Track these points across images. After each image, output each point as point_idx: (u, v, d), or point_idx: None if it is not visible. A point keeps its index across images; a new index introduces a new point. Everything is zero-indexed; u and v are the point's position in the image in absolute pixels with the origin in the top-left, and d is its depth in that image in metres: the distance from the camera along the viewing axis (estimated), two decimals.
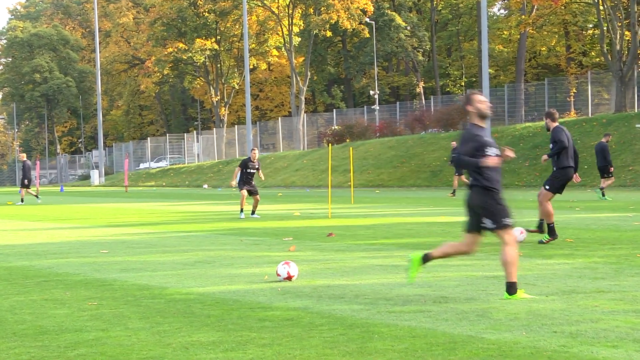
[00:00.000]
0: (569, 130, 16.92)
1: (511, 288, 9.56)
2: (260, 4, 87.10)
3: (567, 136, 16.50)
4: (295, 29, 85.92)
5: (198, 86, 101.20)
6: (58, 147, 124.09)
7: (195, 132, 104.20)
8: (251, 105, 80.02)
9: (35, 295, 10.58)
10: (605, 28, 60.21)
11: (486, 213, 9.75)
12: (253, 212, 26.55)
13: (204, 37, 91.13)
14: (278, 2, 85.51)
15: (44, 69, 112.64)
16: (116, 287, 11.22)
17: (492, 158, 9.54)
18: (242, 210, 26.46)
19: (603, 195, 33.02)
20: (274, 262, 12.91)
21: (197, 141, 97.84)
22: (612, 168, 33.50)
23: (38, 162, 75.44)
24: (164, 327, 8.29)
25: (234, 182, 26.81)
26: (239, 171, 26.55)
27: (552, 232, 15.99)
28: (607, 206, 28.35)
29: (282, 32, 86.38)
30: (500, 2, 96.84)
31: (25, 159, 43.55)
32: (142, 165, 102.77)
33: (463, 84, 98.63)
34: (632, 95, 59.66)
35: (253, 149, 27.03)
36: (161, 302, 9.81)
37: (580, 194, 39.94)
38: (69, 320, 8.75)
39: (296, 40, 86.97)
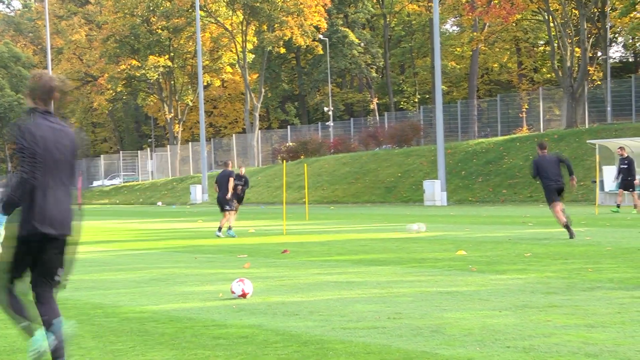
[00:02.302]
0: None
1: None
2: (213, 21, 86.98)
3: (536, 164, 21.57)
4: (249, 46, 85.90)
5: (151, 103, 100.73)
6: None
7: (149, 149, 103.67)
8: (205, 122, 79.79)
9: None
10: (555, 45, 60.90)
11: None
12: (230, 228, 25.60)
13: (157, 54, 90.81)
14: (232, 19, 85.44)
15: None
16: (69, 306, 11.10)
17: None
18: (228, 228, 25.65)
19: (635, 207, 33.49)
20: (228, 280, 12.87)
21: (151, 158, 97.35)
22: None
23: None
24: (117, 346, 8.23)
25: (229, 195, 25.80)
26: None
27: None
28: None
29: (236, 49, 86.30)
30: (452, 19, 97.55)
31: None
32: (95, 183, 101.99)
33: (416, 100, 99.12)
34: (583, 111, 60.39)
35: (240, 167, 28.78)
36: (114, 321, 9.74)
37: (533, 209, 40.29)
38: (21, 340, 8.65)
39: (250, 57, 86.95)
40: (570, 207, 40.61)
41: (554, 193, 21.24)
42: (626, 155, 33.82)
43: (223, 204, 25.78)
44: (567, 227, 20.79)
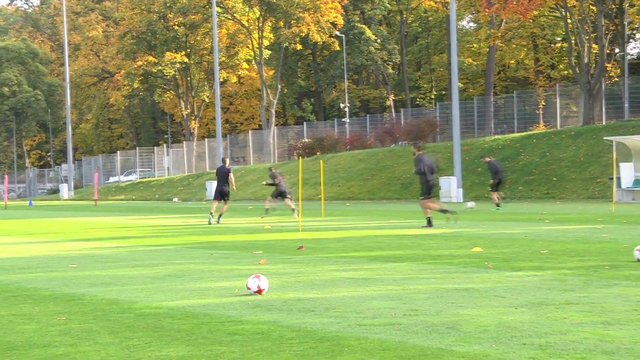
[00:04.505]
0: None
1: None
2: (230, 17, 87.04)
3: (421, 161, 25.24)
4: (266, 42, 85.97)
5: (168, 99, 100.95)
6: (27, 160, 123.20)
7: (165, 145, 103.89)
8: (221, 118, 79.88)
9: (4, 311, 10.47)
10: (573, 41, 60.71)
11: None
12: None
13: (173, 51, 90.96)
14: (248, 15, 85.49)
15: (12, 83, 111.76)
16: (85, 301, 11.13)
17: None
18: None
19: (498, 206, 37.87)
20: (244, 276, 12.87)
21: (167, 154, 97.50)
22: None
23: (6, 176, 75.00)
24: (133, 341, 8.24)
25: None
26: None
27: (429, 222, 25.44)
28: (576, 218, 28.54)
29: (252, 45, 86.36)
30: (469, 16, 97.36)
31: None
32: (111, 179, 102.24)
33: (433, 96, 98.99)
34: (600, 107, 60.17)
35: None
36: (130, 317, 9.75)
37: (549, 206, 40.20)
38: (38, 336, 8.68)
39: (266, 53, 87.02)
40: (587, 204, 40.53)
41: (431, 188, 25.55)
42: (490, 160, 39.17)
43: (222, 195, 31.09)
44: (429, 219, 25.41)
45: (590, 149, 50.86)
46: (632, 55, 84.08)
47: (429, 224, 25.29)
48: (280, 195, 35.43)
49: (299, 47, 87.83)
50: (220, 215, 31.16)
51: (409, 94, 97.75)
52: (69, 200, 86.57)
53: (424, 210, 25.66)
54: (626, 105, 60.07)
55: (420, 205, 26.41)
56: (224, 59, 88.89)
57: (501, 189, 39.43)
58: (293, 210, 35.00)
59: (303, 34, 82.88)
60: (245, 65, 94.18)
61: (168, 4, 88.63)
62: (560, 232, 21.98)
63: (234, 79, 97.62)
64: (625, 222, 25.81)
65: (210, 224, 30.25)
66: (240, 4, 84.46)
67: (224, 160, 32.98)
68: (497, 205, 37.94)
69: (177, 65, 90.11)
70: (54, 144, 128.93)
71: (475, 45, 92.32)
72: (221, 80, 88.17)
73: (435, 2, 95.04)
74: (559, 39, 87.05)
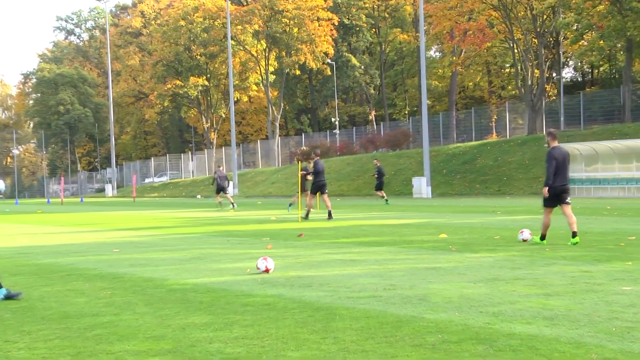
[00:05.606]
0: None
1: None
2: (242, 49, 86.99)
3: (322, 166, 25.73)
4: (271, 68, 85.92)
5: (192, 115, 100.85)
6: (78, 165, 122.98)
7: (190, 152, 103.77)
8: (235, 130, 79.84)
9: (60, 287, 10.47)
10: (519, 67, 60.78)
11: None
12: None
13: (196, 76, 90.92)
14: (257, 47, 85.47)
15: (66, 102, 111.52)
16: (126, 279, 11.13)
17: None
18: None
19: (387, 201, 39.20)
20: (254, 258, 12.87)
21: (192, 160, 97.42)
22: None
23: (62, 178, 75.02)
24: (165, 311, 8.24)
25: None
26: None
27: (307, 216, 25.64)
28: (522, 210, 28.56)
29: (260, 71, 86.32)
30: (435, 46, 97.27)
31: None
32: (147, 180, 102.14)
33: (407, 112, 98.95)
34: (541, 120, 60.32)
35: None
36: (162, 291, 9.75)
37: (501, 200, 40.23)
38: (88, 307, 8.68)
39: (271, 77, 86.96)
40: (531, 198, 40.54)
41: (320, 187, 25.54)
42: (379, 165, 40.51)
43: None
44: (307, 213, 25.66)
45: (533, 154, 50.89)
46: (566, 78, 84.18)
47: (306, 217, 25.58)
48: (221, 190, 37.63)
49: (297, 72, 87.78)
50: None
51: (387, 110, 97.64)
52: (113, 198, 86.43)
53: (307, 204, 26.24)
54: (562, 118, 60.17)
55: (305, 198, 26.69)
56: (237, 82, 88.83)
57: (384, 189, 40.94)
58: (220, 203, 37.46)
59: (301, 62, 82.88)
60: (254, 87, 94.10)
61: (192, 38, 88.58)
62: (510, 222, 22.00)
63: (245, 98, 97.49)
64: (560, 213, 25.78)
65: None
66: (250, 37, 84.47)
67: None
68: (386, 200, 39.18)
69: (199, 88, 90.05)
70: (100, 151, 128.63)
71: (440, 70, 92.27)
72: (235, 99, 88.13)
73: (408, 36, 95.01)
74: (507, 65, 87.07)
